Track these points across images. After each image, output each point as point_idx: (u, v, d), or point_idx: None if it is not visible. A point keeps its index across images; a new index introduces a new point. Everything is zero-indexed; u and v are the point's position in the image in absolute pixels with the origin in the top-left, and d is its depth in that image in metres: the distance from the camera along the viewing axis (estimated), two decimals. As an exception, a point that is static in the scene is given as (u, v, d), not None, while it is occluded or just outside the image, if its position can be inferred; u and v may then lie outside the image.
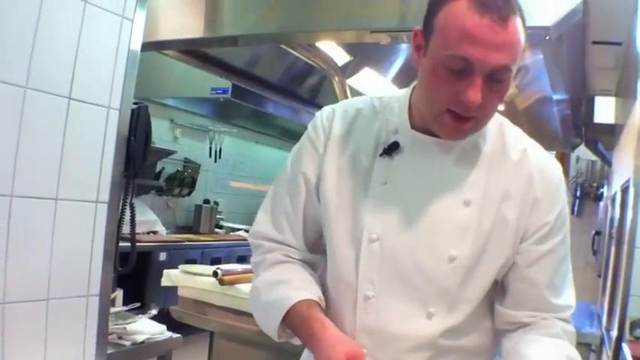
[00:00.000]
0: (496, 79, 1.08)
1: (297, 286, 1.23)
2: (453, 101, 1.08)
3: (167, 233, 5.53)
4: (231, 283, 2.95)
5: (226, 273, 2.98)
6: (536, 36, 2.12)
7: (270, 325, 1.23)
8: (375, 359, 1.18)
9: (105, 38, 1.68)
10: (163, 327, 2.42)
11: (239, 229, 6.51)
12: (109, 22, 1.68)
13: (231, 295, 2.92)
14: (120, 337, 2.18)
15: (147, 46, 2.08)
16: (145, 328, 2.29)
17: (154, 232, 5.36)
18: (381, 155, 1.23)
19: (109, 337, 2.09)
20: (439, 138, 1.18)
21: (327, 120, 1.30)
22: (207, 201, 6.26)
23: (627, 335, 2.69)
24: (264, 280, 1.30)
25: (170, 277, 3.31)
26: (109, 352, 2.00)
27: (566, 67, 2.99)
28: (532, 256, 1.21)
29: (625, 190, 3.19)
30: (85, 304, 1.70)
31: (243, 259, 5.41)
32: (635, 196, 2.69)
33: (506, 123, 1.28)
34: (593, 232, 5.17)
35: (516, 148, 1.23)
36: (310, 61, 3.07)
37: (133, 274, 4.59)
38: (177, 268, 3.43)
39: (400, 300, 1.18)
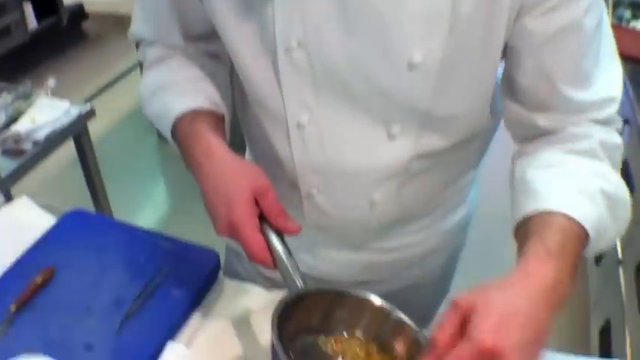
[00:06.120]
0: None
1: (179, 91, 0.93)
2: None
3: None
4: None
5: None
6: None
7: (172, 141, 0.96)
8: (329, 199, 0.94)
9: None
10: (65, 104, 2.05)
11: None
12: None
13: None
14: (16, 142, 1.83)
15: None
16: (43, 115, 1.93)
17: None
18: None
19: (3, 146, 1.77)
20: None
21: None
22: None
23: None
24: (145, 85, 0.99)
25: None
26: (8, 170, 1.71)
27: None
28: (538, 39, 0.78)
29: None
30: None
31: None
32: None
33: None
34: None
35: None
36: None
37: None
38: None
39: (348, 122, 0.85)
